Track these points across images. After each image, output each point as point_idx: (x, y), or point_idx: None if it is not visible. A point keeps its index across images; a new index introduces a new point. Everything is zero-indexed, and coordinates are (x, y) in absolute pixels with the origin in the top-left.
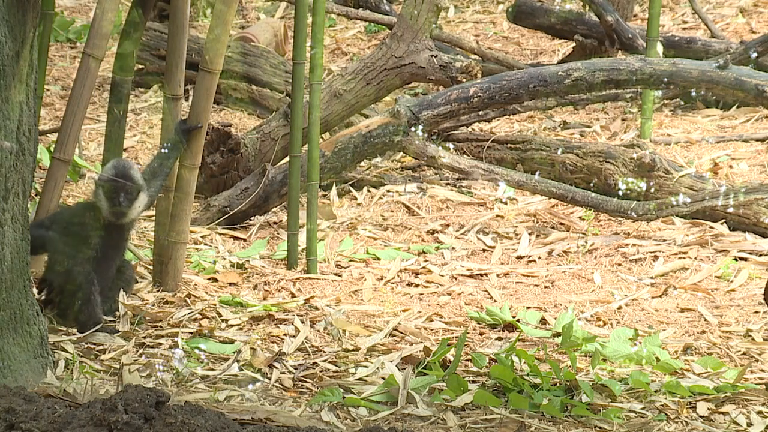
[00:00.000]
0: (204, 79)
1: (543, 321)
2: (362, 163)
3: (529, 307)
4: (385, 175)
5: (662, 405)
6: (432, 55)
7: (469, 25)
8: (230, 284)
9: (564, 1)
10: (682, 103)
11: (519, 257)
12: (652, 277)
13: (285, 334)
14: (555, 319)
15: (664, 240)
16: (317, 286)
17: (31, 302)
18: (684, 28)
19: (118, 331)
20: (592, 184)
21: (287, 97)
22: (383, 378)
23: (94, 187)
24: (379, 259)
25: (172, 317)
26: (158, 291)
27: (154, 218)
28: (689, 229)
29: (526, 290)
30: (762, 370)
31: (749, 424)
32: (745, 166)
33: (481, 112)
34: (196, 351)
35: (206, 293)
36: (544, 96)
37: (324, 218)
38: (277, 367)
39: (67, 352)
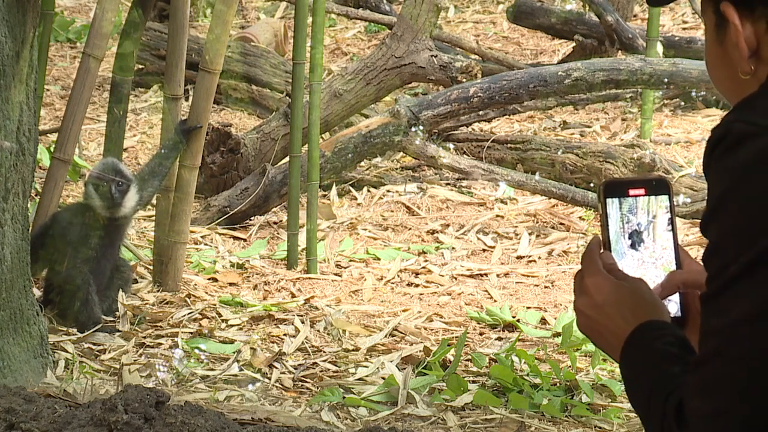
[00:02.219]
0: (204, 79)
1: (543, 321)
2: (362, 163)
3: (529, 307)
4: (385, 175)
5: None
6: (432, 55)
7: (469, 25)
8: (230, 284)
9: (564, 1)
10: (682, 103)
11: (519, 257)
12: None
13: (285, 334)
14: (555, 319)
15: None
16: (317, 286)
17: (31, 302)
18: (684, 28)
19: (119, 331)
20: (592, 184)
21: (287, 97)
22: (383, 378)
23: (85, 186)
24: (379, 259)
25: (172, 317)
26: (158, 291)
27: (154, 218)
28: (689, 229)
29: (526, 290)
30: None
31: None
32: None
33: (481, 112)
34: (196, 351)
35: (206, 293)
36: (544, 96)
37: (324, 218)
38: (277, 367)
39: (67, 352)
